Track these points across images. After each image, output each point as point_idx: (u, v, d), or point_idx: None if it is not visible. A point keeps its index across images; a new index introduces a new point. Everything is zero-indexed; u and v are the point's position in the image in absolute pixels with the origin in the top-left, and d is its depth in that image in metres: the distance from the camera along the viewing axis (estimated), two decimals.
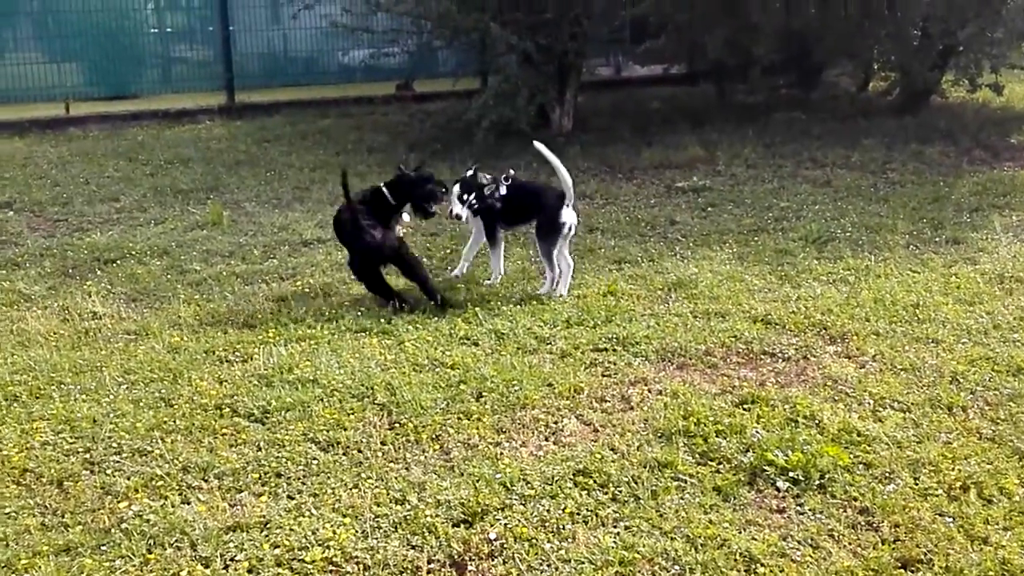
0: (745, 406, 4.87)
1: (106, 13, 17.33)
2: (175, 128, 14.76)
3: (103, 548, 3.73)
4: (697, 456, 4.39)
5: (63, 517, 3.97)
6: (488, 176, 6.94)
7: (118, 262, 7.64)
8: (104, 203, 9.80)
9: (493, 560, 3.65)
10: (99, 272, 7.45)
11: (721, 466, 4.29)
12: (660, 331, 5.90)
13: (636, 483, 4.15)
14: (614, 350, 5.65)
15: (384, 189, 6.83)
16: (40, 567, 3.62)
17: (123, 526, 3.86)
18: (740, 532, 3.79)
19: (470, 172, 6.95)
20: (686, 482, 4.17)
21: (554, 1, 12.21)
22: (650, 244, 7.96)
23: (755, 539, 3.74)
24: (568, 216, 6.70)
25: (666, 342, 5.72)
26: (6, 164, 11.82)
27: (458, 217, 6.86)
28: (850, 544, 3.74)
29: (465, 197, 6.82)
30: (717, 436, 4.53)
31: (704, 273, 7.03)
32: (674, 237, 8.19)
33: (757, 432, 4.54)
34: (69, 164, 11.87)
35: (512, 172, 7.08)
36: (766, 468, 4.21)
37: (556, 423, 4.76)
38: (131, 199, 9.93)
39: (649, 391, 5.11)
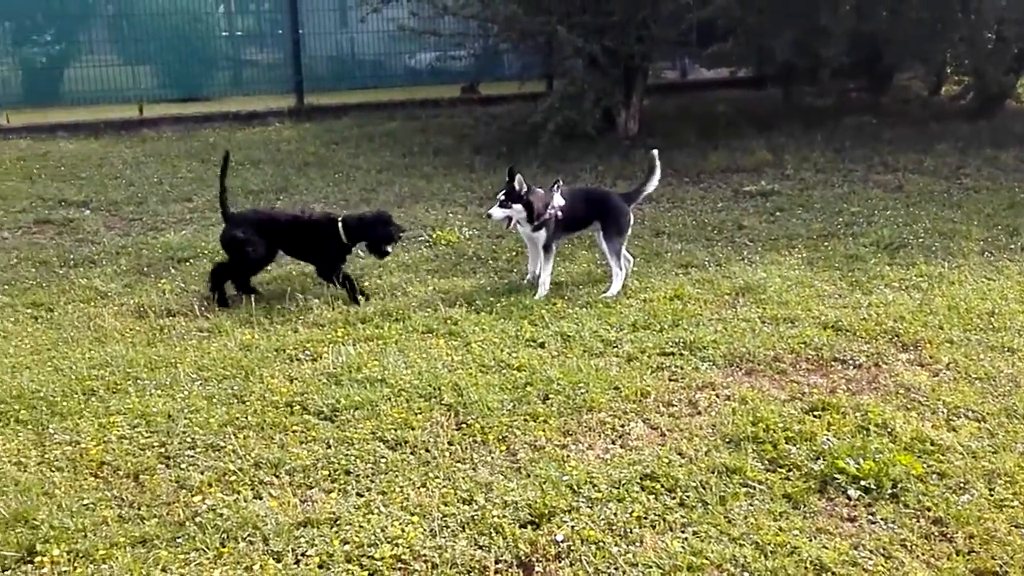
0: (815, 413, 4.82)
1: (178, 16, 17.66)
2: (245, 130, 14.99)
3: (178, 541, 3.81)
4: (766, 463, 4.35)
5: (139, 510, 4.05)
6: (527, 186, 6.86)
7: (191, 261, 7.79)
8: (177, 203, 10.00)
9: (560, 562, 3.66)
10: (173, 270, 7.60)
11: (791, 473, 4.25)
12: (728, 336, 5.86)
13: (704, 488, 4.12)
14: (681, 354, 5.63)
15: (339, 224, 6.89)
16: (117, 558, 3.70)
17: (197, 519, 3.94)
18: (810, 540, 3.75)
19: (554, 185, 6.95)
20: (755, 488, 4.13)
21: (621, 4, 12.18)
22: (717, 248, 7.91)
23: (826, 547, 3.70)
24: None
25: (734, 347, 5.68)
26: (83, 164, 12.11)
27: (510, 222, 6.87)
28: (923, 555, 3.68)
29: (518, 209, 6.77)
30: (787, 443, 4.48)
31: (773, 278, 6.96)
32: (741, 241, 8.12)
33: (828, 439, 4.49)
34: (143, 164, 12.12)
35: (560, 181, 7.07)
36: (837, 476, 4.16)
37: (623, 426, 4.75)
38: (203, 199, 10.11)
39: (717, 396, 5.08)
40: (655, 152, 7.08)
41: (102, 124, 14.98)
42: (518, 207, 6.71)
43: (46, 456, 4.51)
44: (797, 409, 4.87)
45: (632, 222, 7.10)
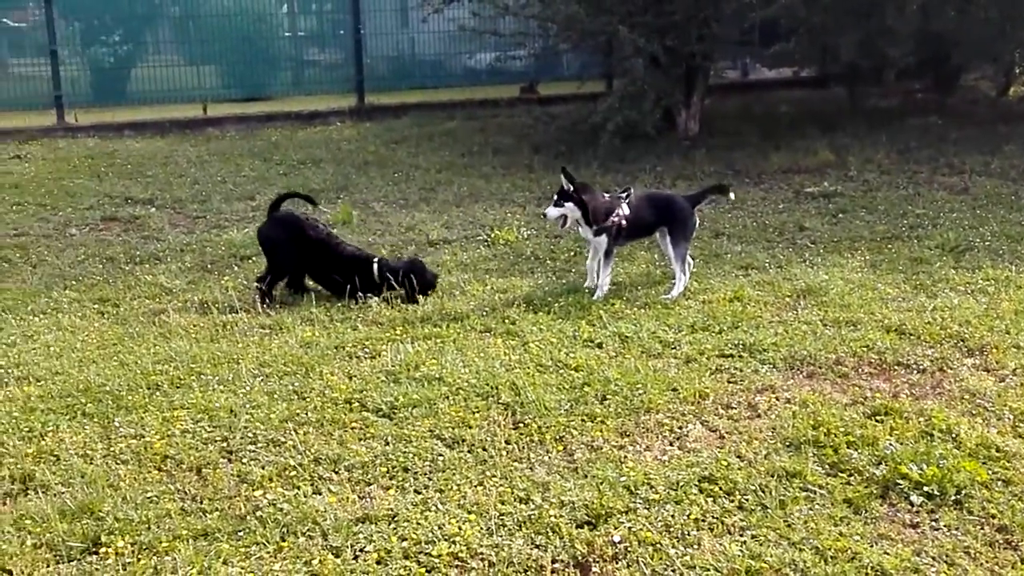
0: (878, 418, 4.74)
1: (242, 17, 17.95)
2: (307, 129, 15.17)
3: (239, 534, 3.86)
4: (827, 467, 4.29)
5: (201, 503, 4.12)
6: (588, 188, 6.86)
7: (253, 258, 7.89)
8: (240, 201, 10.15)
9: (617, 563, 3.65)
10: (235, 268, 7.72)
11: (852, 478, 4.19)
12: (788, 339, 5.80)
13: (763, 492, 4.08)
14: (740, 356, 5.58)
15: (375, 264, 6.92)
16: (180, 550, 3.76)
17: (258, 514, 3.99)
18: (872, 546, 3.70)
19: (624, 193, 6.93)
20: (815, 493, 4.08)
21: (683, 3, 12.11)
22: (778, 250, 7.83)
23: (887, 553, 3.64)
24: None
25: (794, 350, 5.62)
26: (148, 163, 12.34)
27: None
28: (987, 563, 3.61)
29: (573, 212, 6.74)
30: (848, 447, 4.42)
31: (835, 280, 6.87)
32: (803, 243, 8.03)
33: (890, 445, 4.42)
34: (207, 163, 12.33)
35: (631, 189, 7.04)
36: (899, 482, 4.09)
37: (681, 428, 4.72)
38: (266, 198, 10.22)
39: (777, 399, 5.02)
40: (731, 192, 7.48)
41: (167, 123, 15.27)
42: (570, 206, 6.70)
43: (112, 449, 4.60)
44: (859, 413, 4.80)
45: (697, 225, 7.06)
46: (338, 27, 19.08)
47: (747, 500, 4.03)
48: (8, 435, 4.73)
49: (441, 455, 4.47)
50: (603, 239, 6.77)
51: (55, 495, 4.16)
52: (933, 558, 3.63)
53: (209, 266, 7.76)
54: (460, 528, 3.85)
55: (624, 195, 6.88)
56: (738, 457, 4.40)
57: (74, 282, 7.37)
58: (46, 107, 15.67)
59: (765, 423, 4.75)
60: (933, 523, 3.86)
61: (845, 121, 13.43)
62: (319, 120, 15.79)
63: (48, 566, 3.70)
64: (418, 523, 3.90)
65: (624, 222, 6.77)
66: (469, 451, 4.52)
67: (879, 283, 6.83)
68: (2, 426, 4.83)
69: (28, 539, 3.84)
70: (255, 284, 6.92)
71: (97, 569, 3.67)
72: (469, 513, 3.98)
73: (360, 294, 6.71)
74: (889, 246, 7.83)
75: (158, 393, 5.24)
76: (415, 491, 4.18)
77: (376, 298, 6.72)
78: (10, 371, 5.58)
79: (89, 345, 6.02)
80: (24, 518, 3.98)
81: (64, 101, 15.63)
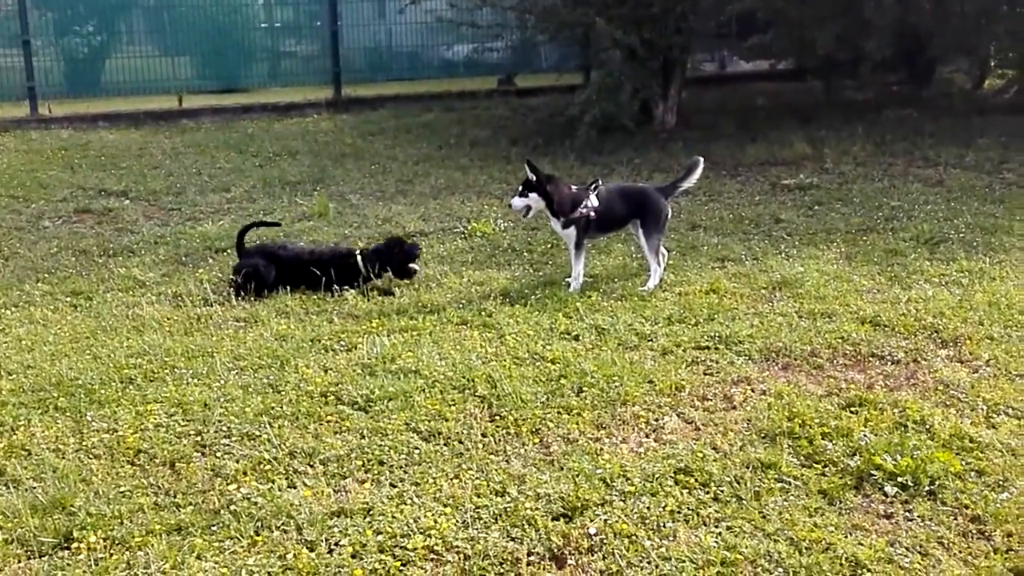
0: (852, 409, 4.77)
1: (217, 8, 17.81)
2: (283, 121, 15.09)
3: (213, 528, 3.83)
4: (802, 458, 4.31)
5: (175, 497, 4.08)
6: (555, 180, 6.86)
7: (229, 251, 7.83)
8: (216, 193, 10.08)
9: (593, 555, 3.65)
10: (210, 260, 7.66)
11: (827, 469, 4.21)
12: (764, 330, 5.81)
13: (738, 483, 4.09)
14: (716, 348, 5.59)
15: (358, 257, 6.94)
16: (153, 545, 3.73)
17: (232, 508, 3.96)
18: (846, 536, 3.71)
19: (592, 185, 6.89)
20: (790, 484, 4.09)
21: None
22: (754, 242, 7.85)
23: (861, 544, 3.66)
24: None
25: (770, 342, 5.63)
26: (123, 154, 12.24)
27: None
28: (960, 552, 3.63)
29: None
30: (823, 438, 4.44)
31: (810, 272, 6.90)
32: (779, 235, 8.06)
33: (864, 436, 4.44)
34: (182, 155, 12.23)
35: (599, 181, 7.03)
36: (873, 472, 4.11)
37: (657, 420, 4.73)
38: (241, 190, 10.19)
39: (752, 391, 5.04)
40: (700, 159, 7.05)
41: (142, 115, 15.15)
42: (535, 196, 6.70)
43: (84, 443, 4.56)
44: (834, 405, 4.82)
45: (669, 216, 7.05)
46: (315, 18, 18.96)
47: (722, 492, 4.04)
48: None
49: (417, 448, 4.46)
50: (572, 231, 6.76)
51: (26, 490, 4.12)
52: (907, 548, 3.64)
53: (183, 259, 7.70)
54: (436, 521, 3.84)
55: (592, 187, 6.86)
56: (713, 449, 4.41)
57: (47, 275, 7.30)
58: (19, 98, 15.51)
59: (740, 415, 4.76)
60: (907, 514, 3.87)
61: (821, 114, 13.49)
62: (295, 112, 15.71)
63: (19, 561, 3.67)
64: (393, 516, 3.89)
65: (592, 214, 6.75)
66: (445, 444, 4.51)
67: (854, 275, 6.86)
68: None
69: None
70: (231, 277, 6.86)
71: (69, 564, 3.64)
72: (445, 506, 3.97)
73: (337, 287, 6.69)
74: (864, 238, 7.87)
75: (131, 387, 5.19)
76: (391, 484, 4.16)
77: (352, 291, 6.69)
78: None
79: (62, 339, 5.96)
80: None
81: (37, 92, 15.47)
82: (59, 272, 7.37)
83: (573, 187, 6.91)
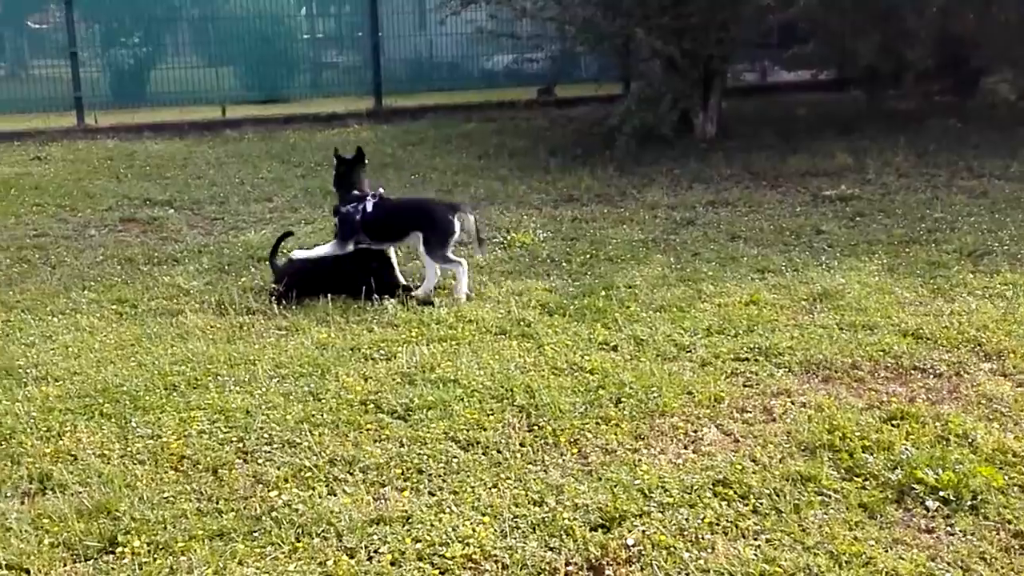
0: (894, 422, 4.73)
1: (261, 20, 18.03)
2: (325, 131, 15.23)
3: (254, 534, 3.88)
4: (842, 471, 4.28)
5: (217, 503, 4.13)
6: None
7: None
8: (258, 203, 10.20)
9: (631, 566, 3.65)
10: (253, 269, 7.74)
11: (867, 482, 4.18)
12: (804, 342, 5.78)
13: (778, 496, 4.07)
14: (756, 360, 5.57)
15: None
16: (195, 550, 3.78)
17: (273, 514, 4.00)
18: (886, 551, 3.68)
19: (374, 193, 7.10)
20: (830, 497, 4.07)
21: (701, 6, 12.10)
22: (794, 253, 7.80)
23: (902, 559, 3.63)
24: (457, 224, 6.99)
25: (810, 354, 5.60)
26: (168, 164, 12.42)
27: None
28: (1003, 569, 3.59)
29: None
30: (863, 452, 4.41)
31: (851, 284, 6.85)
32: (820, 247, 8.00)
33: (906, 449, 4.40)
34: (225, 165, 12.39)
35: (382, 191, 7.18)
36: (915, 486, 4.07)
37: (695, 432, 4.72)
38: (283, 199, 10.30)
39: (792, 403, 5.01)
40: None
41: (186, 125, 15.37)
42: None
43: (128, 449, 4.63)
44: (875, 418, 4.78)
45: (455, 232, 7.00)
46: (356, 29, 19.15)
47: (761, 504, 4.02)
48: (27, 435, 4.77)
49: (456, 457, 4.48)
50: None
51: (72, 495, 4.19)
52: (948, 563, 3.61)
53: (226, 267, 7.79)
54: (474, 530, 3.86)
55: (373, 195, 7.04)
56: (753, 461, 4.39)
57: (93, 283, 7.41)
58: (66, 109, 15.79)
59: (780, 427, 4.74)
60: (948, 528, 3.84)
61: (863, 124, 13.39)
62: (337, 122, 15.85)
63: (65, 565, 3.73)
64: (432, 525, 3.91)
65: (358, 217, 6.92)
66: (484, 453, 4.53)
67: (896, 287, 6.80)
68: (21, 426, 4.86)
69: (45, 538, 3.86)
70: (271, 286, 6.94)
71: (114, 568, 3.70)
72: (483, 515, 3.98)
73: (377, 295, 6.76)
74: (907, 250, 7.80)
75: (175, 394, 5.26)
76: (429, 493, 4.19)
77: (392, 300, 6.74)
78: (29, 371, 5.61)
79: (107, 345, 6.05)
80: (42, 517, 4.01)
81: (84, 103, 15.75)
82: (105, 280, 7.48)
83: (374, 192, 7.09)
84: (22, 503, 4.16)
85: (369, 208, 6.97)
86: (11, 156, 13.31)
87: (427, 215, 7.04)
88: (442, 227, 6.92)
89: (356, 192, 7.08)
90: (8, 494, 4.22)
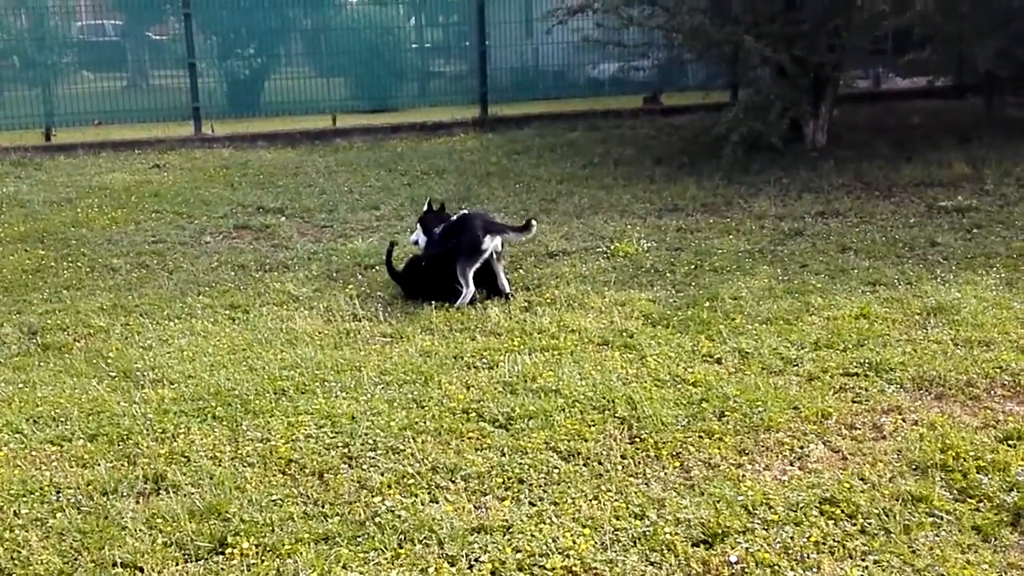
0: (1010, 442, 4.56)
1: (371, 30, 18.34)
2: (431, 140, 15.40)
3: (358, 540, 3.95)
4: (955, 492, 4.15)
5: (323, 507, 4.22)
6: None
7: (377, 268, 8.05)
8: (365, 211, 10.37)
9: None
10: (360, 276, 7.88)
11: (981, 504, 4.04)
12: (917, 358, 5.62)
13: (887, 516, 3.97)
14: (866, 376, 5.43)
15: None
16: (301, 553, 3.86)
17: (377, 520, 4.07)
18: (1000, 575, 3.56)
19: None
20: (942, 519, 3.95)
21: (812, 12, 11.88)
22: (907, 266, 7.59)
23: None
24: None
25: (923, 370, 5.44)
26: (280, 173, 12.72)
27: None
28: None
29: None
30: (978, 472, 4.27)
31: (967, 298, 6.63)
32: (934, 259, 7.77)
33: (1023, 471, 4.24)
34: (335, 173, 12.63)
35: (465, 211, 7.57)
36: None
37: (802, 448, 4.63)
38: (390, 208, 10.45)
39: (903, 420, 4.88)
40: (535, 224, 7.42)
41: (298, 134, 15.72)
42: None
43: (239, 452, 4.76)
44: (990, 437, 4.62)
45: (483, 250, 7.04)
46: (464, 39, 19.34)
47: (870, 524, 3.93)
48: (143, 436, 4.94)
49: (556, 468, 4.49)
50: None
51: (185, 495, 4.33)
52: None
53: (334, 274, 7.95)
54: (574, 542, 3.86)
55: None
56: (861, 479, 4.29)
57: (207, 288, 7.64)
58: (184, 118, 16.31)
59: (890, 445, 4.62)
60: None
61: (982, 132, 12.94)
62: (443, 131, 16.02)
63: (177, 564, 3.86)
64: (532, 535, 3.93)
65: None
66: (584, 464, 4.52)
67: (1015, 302, 6.56)
68: (137, 427, 5.04)
69: (159, 538, 4.00)
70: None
71: (223, 569, 3.81)
72: (583, 527, 3.98)
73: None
74: None
75: (284, 398, 5.39)
76: (530, 503, 4.20)
77: (495, 308, 6.78)
78: (146, 374, 5.82)
79: (220, 350, 6.23)
80: (156, 517, 4.15)
81: (201, 112, 16.23)
82: (219, 286, 7.70)
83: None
84: (137, 502, 4.32)
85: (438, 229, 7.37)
86: (132, 164, 13.82)
87: (462, 230, 7.18)
88: (469, 243, 7.05)
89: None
90: (124, 493, 4.38)
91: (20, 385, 5.72)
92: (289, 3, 17.96)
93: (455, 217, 7.42)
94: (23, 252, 8.89)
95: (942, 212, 9.36)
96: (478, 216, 7.43)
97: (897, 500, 4.09)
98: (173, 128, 16.03)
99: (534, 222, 7.41)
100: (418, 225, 7.74)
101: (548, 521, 4.04)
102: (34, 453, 4.83)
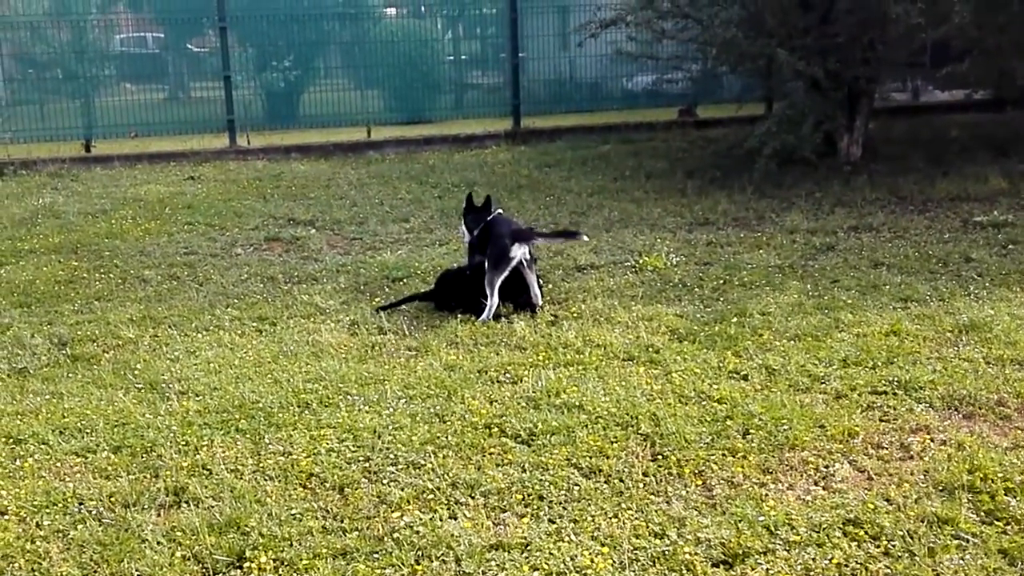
0: None
1: (407, 43, 18.42)
2: (463, 152, 15.44)
3: (375, 555, 3.94)
4: (982, 514, 4.07)
5: (342, 522, 4.21)
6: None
7: (404, 280, 8.07)
8: (395, 223, 10.40)
9: None
10: (387, 289, 7.90)
11: (1008, 527, 3.96)
12: (947, 376, 5.53)
13: (912, 538, 3.90)
14: (894, 394, 5.36)
15: None
16: (319, 568, 3.86)
17: (395, 535, 4.06)
18: None
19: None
20: (968, 541, 3.88)
21: (847, 25, 11.78)
22: (940, 282, 7.48)
23: None
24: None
25: (953, 389, 5.36)
26: (312, 185, 12.80)
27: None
28: None
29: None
30: (1006, 494, 4.19)
31: (1001, 316, 6.52)
32: (968, 275, 7.65)
33: None
34: (366, 186, 12.69)
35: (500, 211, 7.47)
36: None
37: (827, 467, 4.57)
38: (419, 220, 10.47)
39: (931, 440, 4.80)
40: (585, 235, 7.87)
41: (331, 146, 15.81)
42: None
43: (261, 465, 4.77)
44: (1019, 458, 4.54)
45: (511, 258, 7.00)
46: (499, 51, 19.37)
47: (894, 546, 3.86)
48: (166, 448, 4.96)
49: (577, 484, 4.45)
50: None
51: (205, 508, 4.34)
52: None
53: (362, 287, 7.96)
54: (592, 560, 3.83)
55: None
56: (886, 500, 4.22)
57: (236, 300, 7.68)
58: (219, 130, 16.45)
59: (917, 465, 4.54)
60: None
61: (1021, 147, 12.76)
62: (475, 143, 16.05)
63: None
64: (551, 553, 3.90)
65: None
66: (605, 482, 4.49)
67: None
68: (162, 439, 5.07)
69: (178, 551, 4.01)
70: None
71: None
72: (602, 545, 3.95)
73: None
74: None
75: (307, 411, 5.40)
76: (549, 520, 4.17)
77: (521, 321, 6.76)
78: (172, 385, 5.85)
79: (246, 362, 6.26)
80: (175, 530, 4.16)
81: (236, 124, 16.36)
82: (248, 298, 7.74)
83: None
84: (158, 515, 4.33)
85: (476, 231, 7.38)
86: (167, 176, 13.96)
87: (491, 237, 7.17)
88: (497, 251, 7.03)
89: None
90: (145, 506, 4.39)
91: (48, 396, 5.77)
92: (326, 16, 18.09)
93: (489, 218, 7.37)
94: (57, 263, 9.00)
95: (977, 227, 9.23)
96: (505, 222, 7.39)
97: (922, 522, 4.02)
98: (208, 140, 16.19)
99: (585, 233, 7.63)
100: (461, 221, 7.75)
101: (567, 539, 4.01)
102: (58, 464, 4.86)
